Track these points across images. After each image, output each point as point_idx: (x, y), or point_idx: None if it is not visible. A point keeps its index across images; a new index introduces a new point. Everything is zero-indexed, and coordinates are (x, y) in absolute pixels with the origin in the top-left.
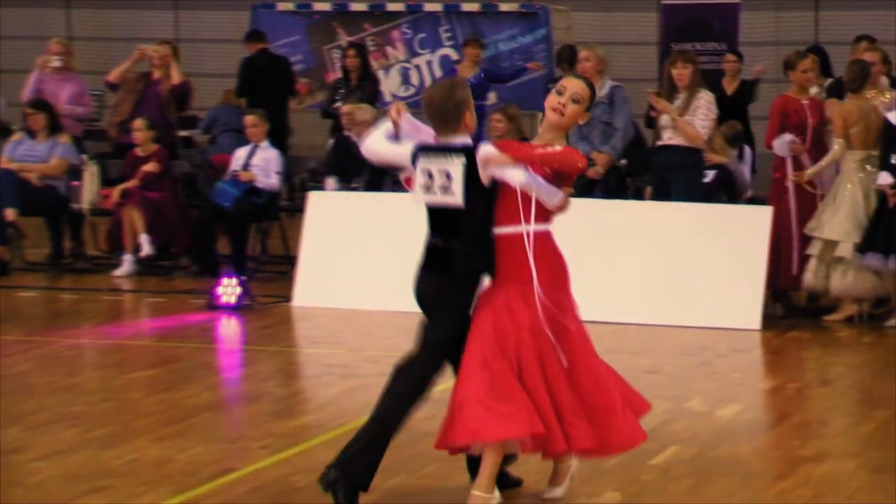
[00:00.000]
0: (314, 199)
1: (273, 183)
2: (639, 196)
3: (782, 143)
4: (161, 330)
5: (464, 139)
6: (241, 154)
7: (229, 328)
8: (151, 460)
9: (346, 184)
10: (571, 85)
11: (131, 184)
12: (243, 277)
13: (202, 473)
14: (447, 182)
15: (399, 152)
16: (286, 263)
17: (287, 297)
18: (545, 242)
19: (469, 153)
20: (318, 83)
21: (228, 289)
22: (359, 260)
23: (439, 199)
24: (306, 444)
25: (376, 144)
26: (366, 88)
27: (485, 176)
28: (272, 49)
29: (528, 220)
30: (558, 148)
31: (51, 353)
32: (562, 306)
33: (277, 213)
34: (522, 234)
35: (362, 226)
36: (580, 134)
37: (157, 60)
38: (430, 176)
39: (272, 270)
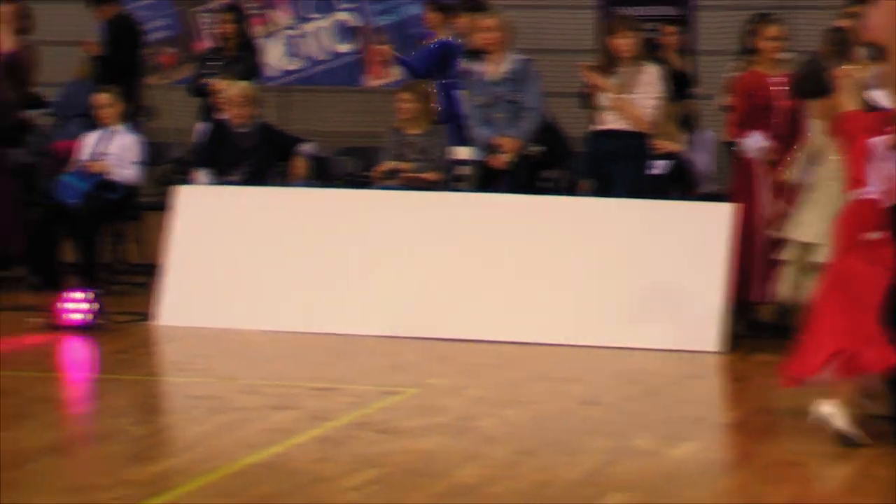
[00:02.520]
0: (183, 195)
1: (130, 175)
2: (571, 191)
3: (755, 147)
4: None
5: None
6: (90, 140)
7: (75, 353)
8: None
9: (221, 176)
10: None
11: None
12: (93, 291)
13: None
14: None
15: None
16: (146, 274)
17: (147, 315)
18: None
19: None
20: (185, 54)
21: (75, 305)
22: (236, 270)
23: None
24: (170, 494)
25: None
26: (244, 60)
27: None
28: (127, 12)
29: None
30: None
31: None
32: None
33: (136, 212)
34: None
35: (241, 228)
36: (483, 117)
37: None
38: None
39: (129, 282)
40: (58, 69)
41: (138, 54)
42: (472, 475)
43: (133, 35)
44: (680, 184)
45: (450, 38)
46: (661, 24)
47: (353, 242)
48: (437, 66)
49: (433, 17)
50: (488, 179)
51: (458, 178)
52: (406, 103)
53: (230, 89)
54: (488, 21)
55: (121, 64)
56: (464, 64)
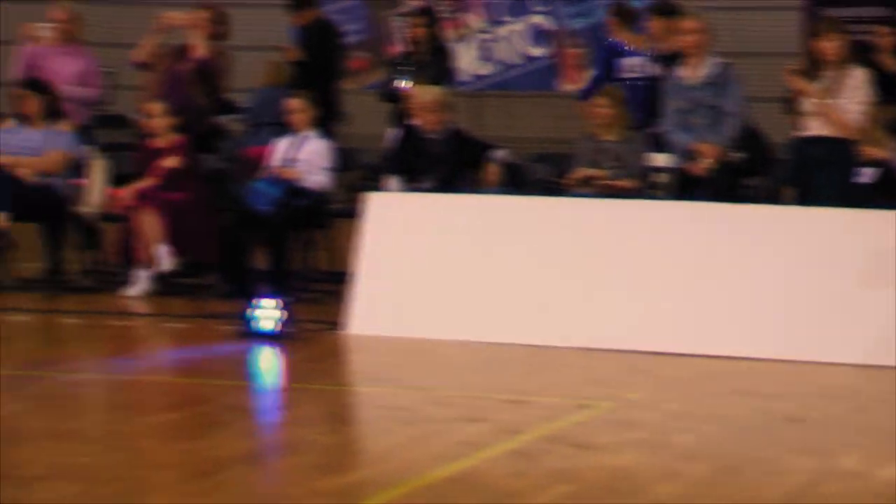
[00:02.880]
0: (373, 201)
1: (321, 181)
2: (773, 199)
3: None
4: (183, 363)
5: None
6: (281, 146)
7: (266, 361)
8: None
9: (412, 183)
10: None
11: (148, 183)
12: (284, 298)
13: None
14: None
15: None
16: (337, 281)
17: (338, 324)
18: None
19: None
20: (376, 58)
21: (266, 312)
22: (427, 278)
23: None
24: None
25: None
26: (436, 65)
27: None
28: (325, 16)
29: None
30: None
31: (48, 391)
32: None
33: (327, 219)
34: None
35: (432, 235)
36: (682, 122)
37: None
38: None
39: (319, 290)
40: (250, 75)
41: (336, 59)
42: (670, 493)
43: (332, 39)
44: (888, 192)
45: (615, 41)
46: (873, 25)
47: (546, 251)
48: (608, 70)
49: (614, 21)
50: (687, 187)
51: (655, 186)
52: (601, 108)
53: (422, 94)
54: (687, 23)
55: (319, 69)
56: (657, 68)
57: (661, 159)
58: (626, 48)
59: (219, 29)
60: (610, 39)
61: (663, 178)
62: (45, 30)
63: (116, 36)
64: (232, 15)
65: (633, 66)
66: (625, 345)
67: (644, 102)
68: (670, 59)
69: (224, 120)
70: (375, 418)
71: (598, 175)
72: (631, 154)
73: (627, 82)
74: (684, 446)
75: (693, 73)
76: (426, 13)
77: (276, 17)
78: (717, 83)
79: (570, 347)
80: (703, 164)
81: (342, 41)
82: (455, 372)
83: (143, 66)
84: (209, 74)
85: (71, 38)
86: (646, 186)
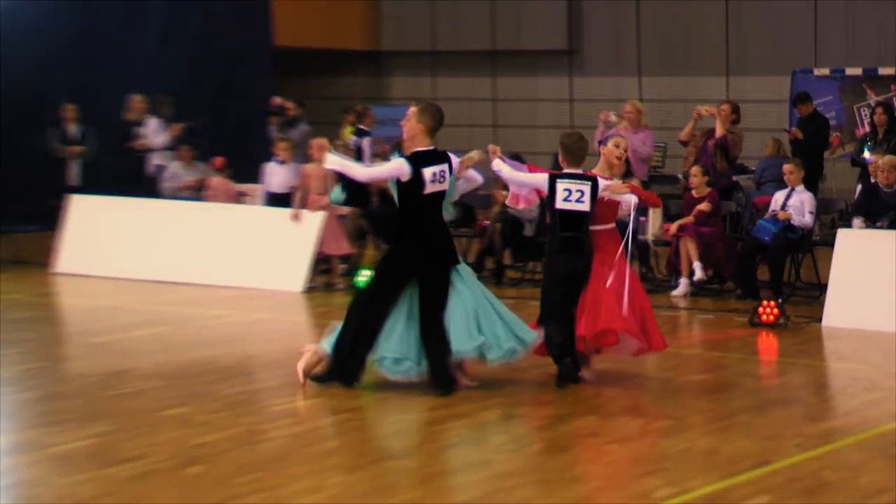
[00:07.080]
0: (843, 235)
1: (807, 221)
2: None
3: None
4: (710, 342)
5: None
6: (779, 196)
7: (767, 343)
8: (701, 450)
9: (872, 223)
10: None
11: (687, 220)
12: (780, 300)
13: (743, 464)
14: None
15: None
16: (817, 290)
17: (818, 318)
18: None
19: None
20: (848, 136)
21: (767, 310)
22: (884, 288)
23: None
24: (834, 445)
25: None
26: (892, 142)
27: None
28: (818, 109)
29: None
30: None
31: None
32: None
33: (810, 247)
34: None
35: (889, 261)
36: None
37: (711, 117)
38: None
39: (805, 295)
40: (757, 148)
41: (823, 139)
42: None
43: (822, 127)
44: None
45: None
46: None
47: None
48: None
49: None
50: None
51: None
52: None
53: (880, 160)
54: None
55: (810, 145)
56: None
57: None
58: None
59: (735, 116)
60: None
61: None
62: (612, 116)
63: (668, 122)
64: (744, 107)
65: None
66: None
67: None
68: None
69: (739, 179)
70: (844, 385)
71: None
72: None
73: None
74: None
75: None
76: (885, 105)
77: (773, 109)
78: None
79: None
80: None
81: (828, 126)
82: None
83: (685, 143)
84: (727, 148)
85: (638, 123)
86: None
